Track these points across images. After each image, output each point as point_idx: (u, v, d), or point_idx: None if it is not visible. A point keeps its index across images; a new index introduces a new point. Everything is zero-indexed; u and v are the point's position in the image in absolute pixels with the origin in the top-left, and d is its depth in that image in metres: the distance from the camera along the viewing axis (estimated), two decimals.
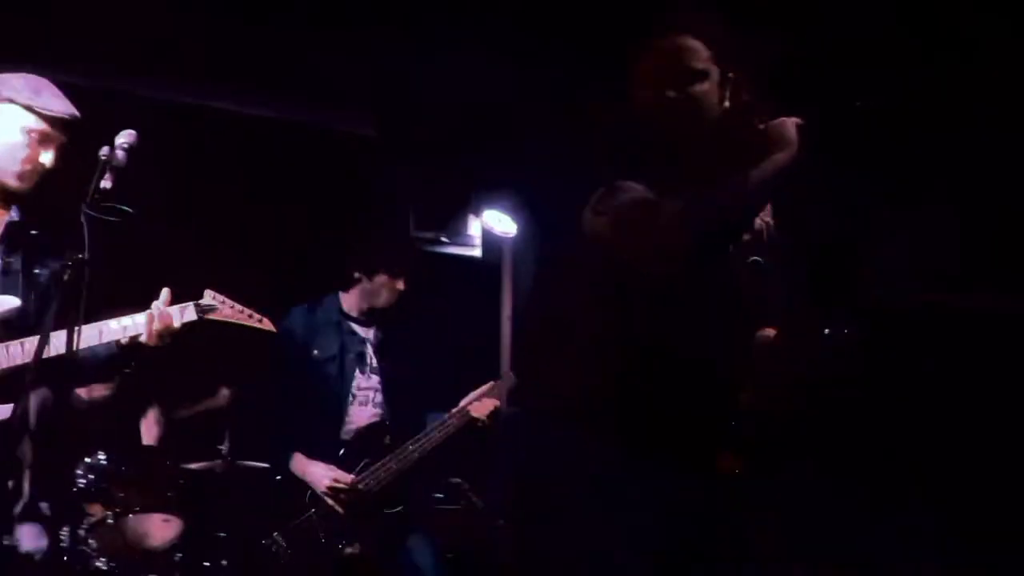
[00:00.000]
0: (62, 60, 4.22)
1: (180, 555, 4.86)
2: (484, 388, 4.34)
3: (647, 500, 2.38)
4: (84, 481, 4.61)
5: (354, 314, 4.40)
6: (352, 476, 4.14)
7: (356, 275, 4.39)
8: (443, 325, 5.77)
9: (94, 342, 3.01)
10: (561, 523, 2.42)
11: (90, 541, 4.51)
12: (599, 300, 2.44)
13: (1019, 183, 4.66)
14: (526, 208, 6.38)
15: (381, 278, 4.38)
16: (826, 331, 2.57)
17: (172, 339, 3.11)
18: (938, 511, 4.99)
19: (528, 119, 5.69)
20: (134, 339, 3.09)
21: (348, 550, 4.22)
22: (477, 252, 6.48)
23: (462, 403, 4.33)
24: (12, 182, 3.10)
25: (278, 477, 4.23)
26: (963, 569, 4.83)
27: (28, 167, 3.09)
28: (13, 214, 3.15)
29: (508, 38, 5.13)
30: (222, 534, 4.99)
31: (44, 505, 3.23)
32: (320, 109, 5.98)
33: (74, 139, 3.11)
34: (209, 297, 3.21)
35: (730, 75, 2.44)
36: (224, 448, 4.94)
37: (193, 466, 4.99)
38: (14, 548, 3.10)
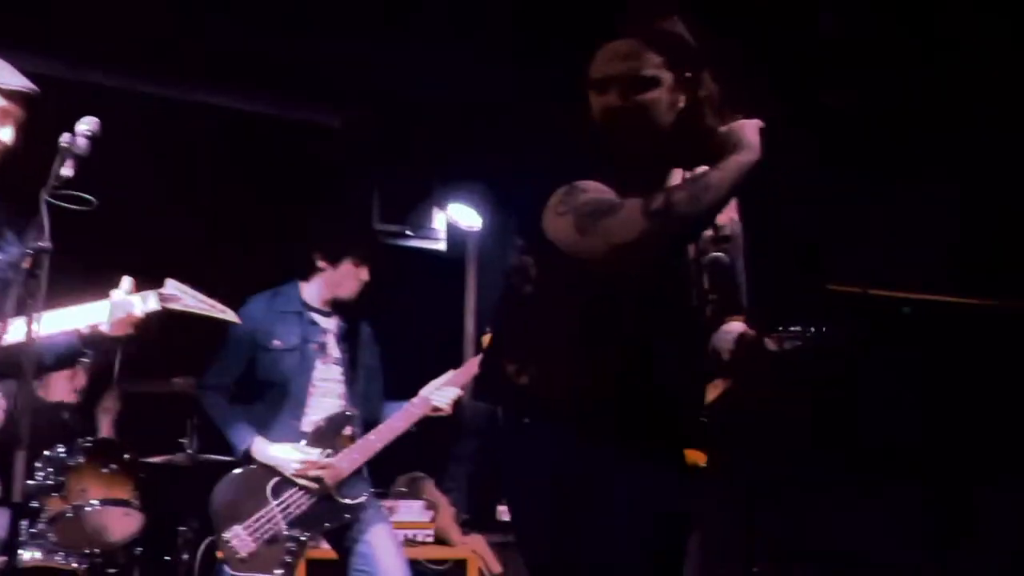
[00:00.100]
0: (28, 48, 4.17)
1: (140, 549, 4.84)
2: (445, 377, 4.34)
3: (625, 495, 2.39)
4: (43, 474, 4.57)
5: (316, 304, 4.38)
6: (318, 452, 4.12)
7: (320, 263, 4.36)
8: (406, 318, 5.77)
9: (54, 330, 2.97)
10: (539, 521, 2.42)
11: (49, 535, 4.47)
12: (567, 298, 2.44)
13: (1009, 183, 4.71)
14: (493, 203, 6.39)
15: (346, 266, 4.35)
16: (813, 330, 2.59)
17: (134, 329, 3.08)
18: (927, 507, 5.05)
19: (495, 114, 5.70)
20: (95, 328, 3.05)
21: (310, 543, 4.21)
22: (441, 246, 6.49)
23: (423, 392, 4.32)
24: None
25: (239, 470, 4.19)
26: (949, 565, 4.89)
27: None
28: None
29: (475, 33, 5.13)
30: (183, 528, 4.97)
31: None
32: (286, 101, 5.96)
33: (35, 123, 3.07)
34: (171, 286, 3.18)
35: (687, 75, 2.42)
36: (188, 442, 4.90)
37: (154, 460, 4.95)
38: None
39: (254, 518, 4.11)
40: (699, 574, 5.47)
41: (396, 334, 4.78)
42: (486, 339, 4.39)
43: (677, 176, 2.51)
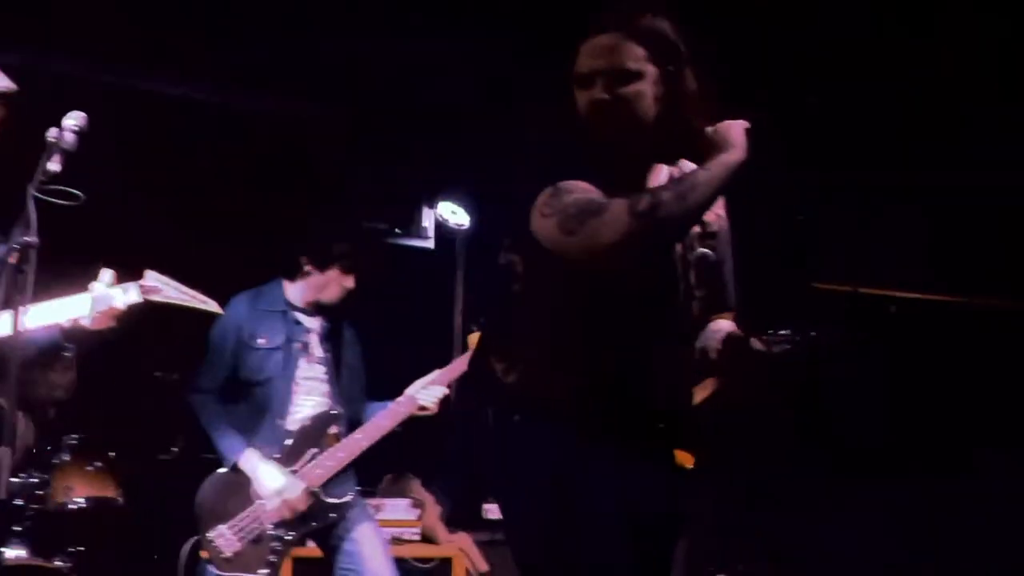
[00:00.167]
0: (15, 42, 4.16)
1: (125, 547, 4.82)
2: (432, 376, 4.33)
3: (616, 493, 2.39)
4: (25, 472, 4.55)
5: (299, 304, 4.37)
6: (302, 489, 4.10)
7: (307, 267, 4.35)
8: (394, 316, 5.77)
9: (35, 325, 2.94)
10: (529, 518, 2.41)
11: (33, 533, 4.44)
12: (555, 296, 2.44)
13: (995, 185, 4.74)
14: (482, 202, 6.40)
15: (332, 273, 4.35)
16: (801, 336, 2.60)
17: (116, 322, 3.06)
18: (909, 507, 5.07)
19: (483, 114, 5.70)
20: (76, 322, 3.03)
21: (296, 543, 4.20)
22: (430, 244, 6.48)
23: (409, 390, 4.31)
24: None
25: (224, 469, 4.18)
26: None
27: None
28: None
29: (465, 32, 5.13)
30: (168, 526, 4.96)
31: None
32: (274, 98, 5.95)
33: (21, 118, 3.05)
34: (152, 278, 3.14)
35: (670, 69, 2.43)
36: (174, 441, 4.89)
37: (140, 458, 4.94)
38: None
39: (239, 517, 4.10)
40: (685, 573, 5.48)
41: (384, 332, 4.78)
42: (473, 338, 4.42)
43: (662, 171, 2.52)
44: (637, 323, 2.44)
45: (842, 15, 4.52)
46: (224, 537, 4.08)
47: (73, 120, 2.78)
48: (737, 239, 2.67)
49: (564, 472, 2.37)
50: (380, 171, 6.28)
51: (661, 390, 2.47)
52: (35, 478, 4.52)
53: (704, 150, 2.36)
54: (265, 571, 4.05)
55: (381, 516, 5.02)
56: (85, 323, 3.03)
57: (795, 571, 5.43)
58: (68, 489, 4.56)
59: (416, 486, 5.57)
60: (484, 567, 5.38)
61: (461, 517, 5.79)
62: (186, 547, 4.96)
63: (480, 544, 5.46)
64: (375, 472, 5.40)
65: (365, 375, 4.51)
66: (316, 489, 4.13)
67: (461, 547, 5.36)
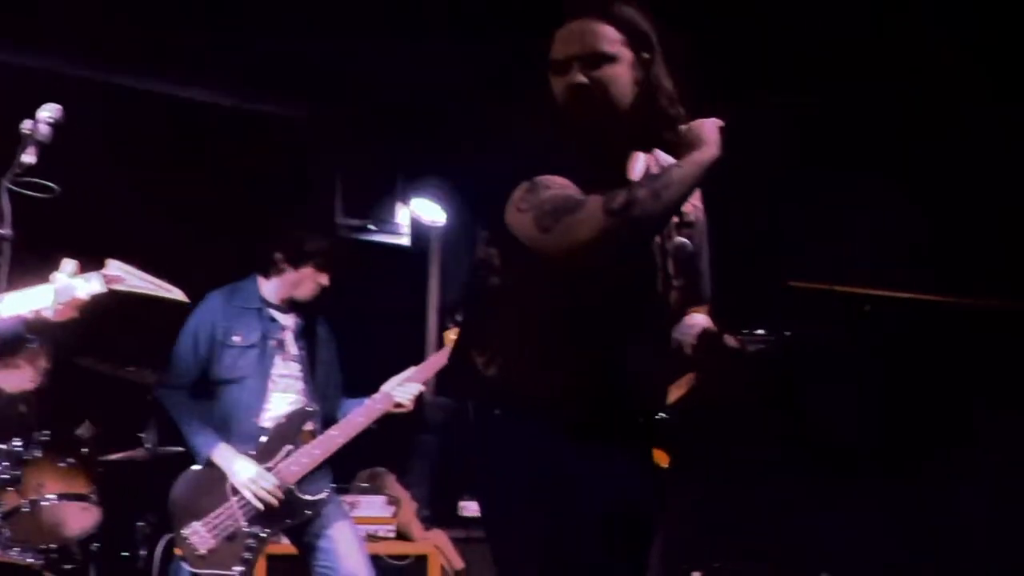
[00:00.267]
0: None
1: (97, 545, 4.78)
2: (407, 372, 4.32)
3: (596, 487, 2.39)
4: None
5: (274, 301, 4.36)
6: (275, 482, 4.08)
7: (281, 264, 4.34)
8: (369, 313, 5.75)
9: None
10: (510, 512, 2.41)
11: (4, 530, 4.40)
12: (533, 289, 2.44)
13: (974, 181, 4.77)
14: (457, 198, 6.38)
15: (306, 270, 4.34)
16: (775, 336, 2.61)
17: (79, 312, 3.02)
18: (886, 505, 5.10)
19: (458, 108, 5.70)
20: (39, 314, 2.99)
21: (270, 540, 4.18)
22: (405, 240, 6.47)
23: (384, 387, 4.30)
24: None
25: (198, 466, 4.16)
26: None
27: None
28: None
29: (437, 25, 5.12)
30: (141, 524, 4.92)
31: None
32: (249, 93, 5.92)
33: None
34: (114, 267, 3.08)
35: (645, 56, 2.45)
36: (147, 437, 4.86)
37: (113, 456, 4.90)
38: None
39: (213, 514, 4.08)
40: (660, 570, 5.50)
41: (359, 329, 4.77)
42: (449, 335, 4.41)
43: (639, 159, 2.52)
44: (617, 315, 2.44)
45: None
46: (198, 534, 4.06)
47: (48, 112, 2.75)
48: (714, 234, 2.68)
49: (544, 466, 2.37)
50: (354, 168, 6.26)
51: (640, 384, 2.48)
52: (6, 475, 4.47)
53: (678, 147, 2.38)
54: (240, 568, 4.04)
55: (356, 513, 5.01)
56: (48, 314, 2.99)
57: (770, 569, 5.45)
58: (40, 486, 4.51)
59: (391, 483, 5.56)
60: (459, 564, 5.37)
61: (437, 514, 5.79)
62: (160, 545, 4.93)
63: (455, 541, 5.46)
64: (350, 469, 5.39)
65: (340, 372, 4.50)
66: (291, 486, 4.11)
67: (436, 544, 5.35)
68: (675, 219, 2.52)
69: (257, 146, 5.94)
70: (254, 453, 4.13)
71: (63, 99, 2.79)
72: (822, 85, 4.84)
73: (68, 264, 3.02)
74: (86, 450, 4.71)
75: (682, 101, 2.47)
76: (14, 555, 4.35)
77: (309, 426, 4.25)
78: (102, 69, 5.44)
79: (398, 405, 4.28)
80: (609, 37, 2.42)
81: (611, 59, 2.42)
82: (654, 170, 2.48)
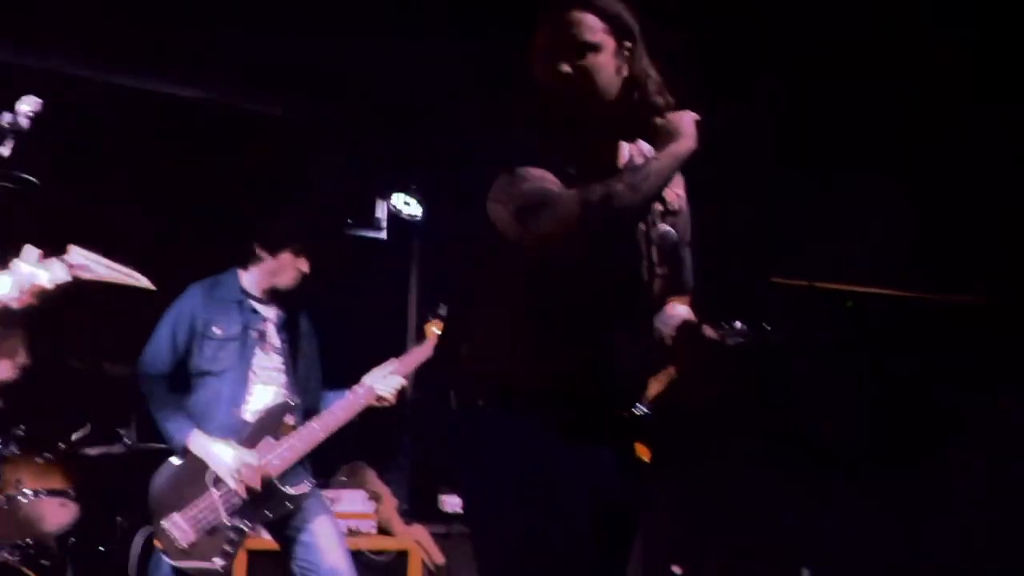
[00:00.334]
0: None
1: (74, 540, 4.76)
2: (387, 365, 4.31)
3: (580, 479, 2.39)
4: None
5: (255, 292, 4.34)
6: (256, 461, 4.07)
7: (258, 252, 4.32)
8: (349, 307, 5.74)
9: None
10: (493, 504, 2.40)
11: None
12: (516, 279, 2.44)
13: (955, 179, 4.79)
14: (436, 192, 6.38)
15: (284, 256, 4.32)
16: (755, 330, 2.61)
17: (39, 301, 2.99)
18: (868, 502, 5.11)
19: (438, 102, 5.69)
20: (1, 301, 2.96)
21: (251, 533, 4.17)
22: (383, 235, 6.46)
23: (366, 379, 4.29)
24: None
25: (177, 458, 4.14)
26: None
27: None
28: None
29: (418, 20, 5.11)
30: (119, 518, 4.90)
31: None
32: (231, 89, 5.90)
33: None
34: (77, 254, 3.06)
35: (627, 45, 2.46)
36: (125, 432, 4.83)
37: (92, 452, 4.87)
38: None
39: (193, 507, 4.06)
40: (640, 564, 5.51)
41: (338, 323, 4.75)
42: (430, 328, 4.41)
43: (623, 149, 2.53)
44: (602, 304, 2.45)
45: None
46: (178, 526, 4.04)
47: (28, 105, 2.74)
48: (701, 227, 2.69)
49: (528, 458, 2.37)
50: (333, 163, 6.25)
51: (626, 375, 2.48)
52: None
53: (656, 139, 2.40)
54: (220, 561, 4.02)
55: (337, 508, 5.00)
56: (10, 303, 2.96)
57: (751, 564, 5.47)
58: (18, 482, 4.49)
59: (372, 477, 5.56)
60: (440, 559, 5.37)
61: (417, 509, 5.79)
62: (139, 538, 4.91)
63: (436, 536, 5.46)
64: (331, 463, 5.38)
65: (321, 365, 4.48)
66: (273, 479, 4.10)
67: (417, 539, 5.35)
68: (659, 207, 2.54)
69: (236, 142, 5.92)
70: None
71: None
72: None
73: (30, 251, 2.99)
74: (63, 445, 4.68)
75: (669, 90, 2.48)
76: None
77: (290, 419, 4.23)
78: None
79: (380, 398, 4.27)
80: (592, 26, 2.43)
81: (594, 48, 2.43)
82: (637, 160, 2.49)
